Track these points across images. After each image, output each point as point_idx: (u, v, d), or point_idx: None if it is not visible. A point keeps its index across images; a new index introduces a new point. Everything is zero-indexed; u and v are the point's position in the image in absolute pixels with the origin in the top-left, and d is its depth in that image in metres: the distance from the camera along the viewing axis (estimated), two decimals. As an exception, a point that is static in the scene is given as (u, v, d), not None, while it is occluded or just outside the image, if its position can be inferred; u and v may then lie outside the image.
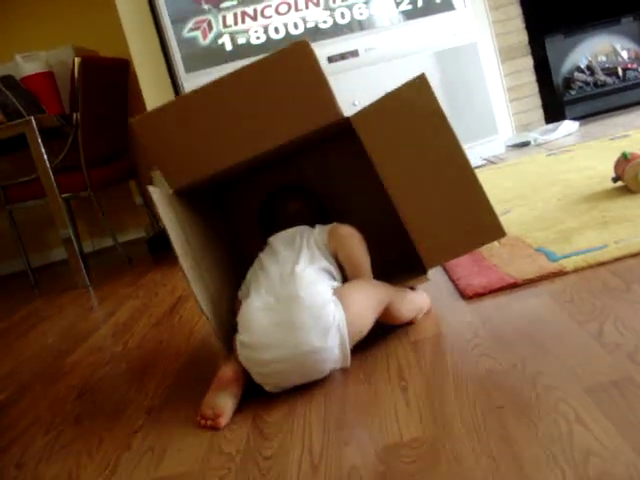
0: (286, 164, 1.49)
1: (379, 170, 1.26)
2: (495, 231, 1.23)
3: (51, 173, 2.75)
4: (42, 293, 2.99)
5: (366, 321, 1.15)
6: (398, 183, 1.25)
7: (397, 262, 1.39)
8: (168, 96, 2.70)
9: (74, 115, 2.91)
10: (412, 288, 1.32)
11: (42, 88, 3.18)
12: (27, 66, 3.21)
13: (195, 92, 1.25)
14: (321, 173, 1.50)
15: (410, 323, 1.28)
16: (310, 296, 1.09)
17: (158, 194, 1.20)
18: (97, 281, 2.86)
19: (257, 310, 1.11)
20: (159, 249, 3.22)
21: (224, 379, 1.11)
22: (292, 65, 1.23)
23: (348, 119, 1.26)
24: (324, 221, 1.35)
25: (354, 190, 1.48)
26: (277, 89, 1.24)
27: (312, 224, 1.33)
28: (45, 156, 2.73)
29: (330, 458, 0.88)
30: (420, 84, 1.21)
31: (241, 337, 1.11)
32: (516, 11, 3.45)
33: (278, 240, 1.30)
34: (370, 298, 1.16)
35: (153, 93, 2.71)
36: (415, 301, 1.29)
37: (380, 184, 1.26)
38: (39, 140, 2.72)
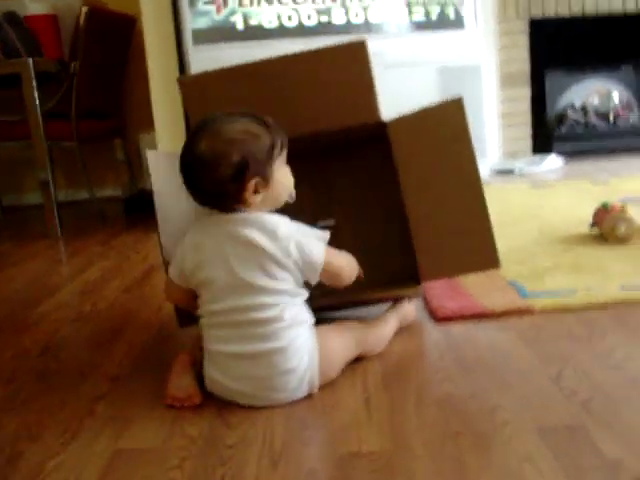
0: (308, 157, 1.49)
1: (401, 179, 1.31)
2: (491, 261, 1.29)
3: (40, 117, 2.71)
4: (11, 236, 2.95)
5: (336, 369, 1.14)
6: (416, 195, 1.31)
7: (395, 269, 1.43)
8: (171, 63, 2.67)
9: (72, 64, 2.87)
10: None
11: (44, 30, 3.13)
12: (32, 5, 3.15)
13: (247, 65, 1.29)
14: (342, 172, 1.52)
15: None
16: (284, 357, 1.05)
17: (154, 158, 1.22)
18: (68, 233, 2.83)
19: (227, 358, 1.07)
20: (134, 210, 3.21)
21: (182, 363, 1.14)
22: (346, 61, 1.28)
23: (383, 124, 1.32)
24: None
25: (364, 194, 1.51)
26: (327, 80, 1.30)
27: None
28: (37, 100, 2.69)
29: (290, 456, 0.92)
30: (456, 106, 1.27)
31: (211, 373, 1.09)
32: (523, 40, 3.50)
33: (219, 228, 1.08)
34: (345, 349, 1.16)
35: (157, 57, 2.68)
36: (387, 336, 1.28)
37: (390, 192, 1.32)
38: (33, 82, 2.68)
